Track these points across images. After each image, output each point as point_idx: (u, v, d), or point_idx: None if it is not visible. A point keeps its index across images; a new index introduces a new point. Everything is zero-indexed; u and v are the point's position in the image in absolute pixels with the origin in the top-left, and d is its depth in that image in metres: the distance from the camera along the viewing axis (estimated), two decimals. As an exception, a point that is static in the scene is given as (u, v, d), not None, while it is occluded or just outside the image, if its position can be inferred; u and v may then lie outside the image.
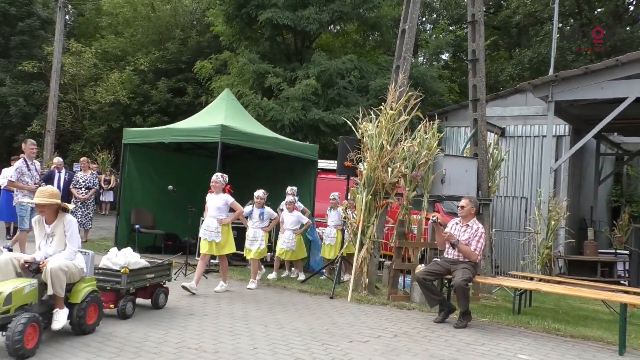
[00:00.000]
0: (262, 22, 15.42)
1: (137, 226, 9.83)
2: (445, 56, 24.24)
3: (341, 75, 15.31)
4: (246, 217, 7.91)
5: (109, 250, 5.68)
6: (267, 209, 7.95)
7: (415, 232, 8.04)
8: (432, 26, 26.37)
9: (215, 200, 7.06)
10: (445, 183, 7.96)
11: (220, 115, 9.86)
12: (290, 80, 15.20)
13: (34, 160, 8.36)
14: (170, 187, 8.07)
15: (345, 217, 8.44)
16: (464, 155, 9.26)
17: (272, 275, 8.56)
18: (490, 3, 24.56)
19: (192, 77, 19.65)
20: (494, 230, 10.37)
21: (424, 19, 25.91)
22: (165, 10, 22.26)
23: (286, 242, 8.52)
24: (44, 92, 19.73)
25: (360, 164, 7.93)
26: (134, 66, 20.46)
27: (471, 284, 6.34)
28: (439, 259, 6.53)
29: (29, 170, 8.08)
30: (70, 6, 20.42)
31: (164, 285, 5.98)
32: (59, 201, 4.63)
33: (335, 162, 9.29)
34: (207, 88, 17.81)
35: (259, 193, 7.94)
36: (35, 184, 8.01)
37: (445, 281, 6.61)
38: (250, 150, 10.28)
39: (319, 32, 17.22)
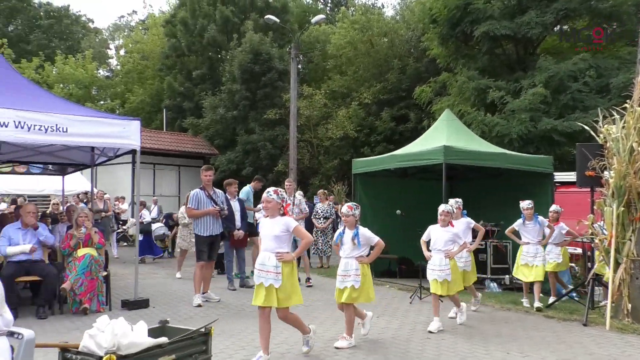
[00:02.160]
0: (479, 37, 14.99)
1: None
2: None
3: (574, 78, 13.89)
4: (336, 243, 5.71)
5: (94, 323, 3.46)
6: (363, 231, 5.48)
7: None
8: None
9: (270, 226, 4.89)
10: None
11: (443, 136, 9.78)
12: (515, 91, 14.36)
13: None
14: (398, 211, 8.24)
15: (592, 234, 7.46)
16: None
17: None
18: None
19: (413, 104, 20.03)
20: None
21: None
22: (383, 44, 23.30)
23: (436, 268, 6.25)
24: (285, 135, 22.22)
25: (605, 172, 7.00)
26: (358, 101, 21.77)
27: None
28: None
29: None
30: (301, 56, 22.76)
31: None
32: None
33: (574, 173, 8.37)
34: (429, 112, 17.92)
35: (345, 209, 5.51)
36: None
37: None
38: (477, 169, 9.93)
39: (543, 36, 15.99)
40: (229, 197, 8.63)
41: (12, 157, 9.38)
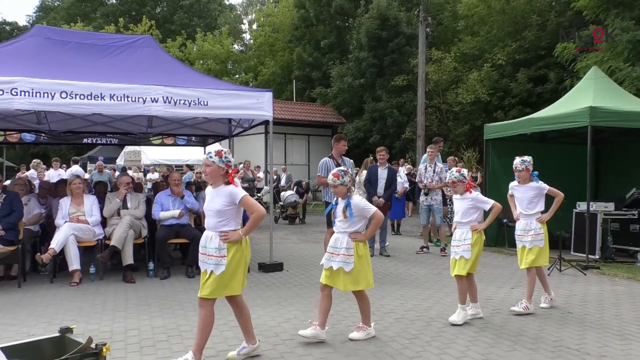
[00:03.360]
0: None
1: (504, 220, 9.78)
2: None
3: None
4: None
5: None
6: (357, 200, 4.43)
7: None
8: None
9: (212, 197, 3.80)
10: None
11: (588, 96, 8.90)
12: (678, 42, 12.56)
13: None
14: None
15: None
16: None
17: None
18: None
19: (553, 62, 18.44)
20: None
21: None
22: (520, -1, 21.61)
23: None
24: (412, 102, 21.78)
25: None
26: (491, 62, 20.56)
27: None
28: None
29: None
30: (429, 19, 21.93)
31: None
32: None
33: None
34: (572, 70, 16.38)
35: (330, 178, 4.46)
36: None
37: None
38: (630, 131, 8.93)
39: None
40: (378, 165, 8.91)
41: (161, 130, 10.31)
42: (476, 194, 5.13)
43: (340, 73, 25.13)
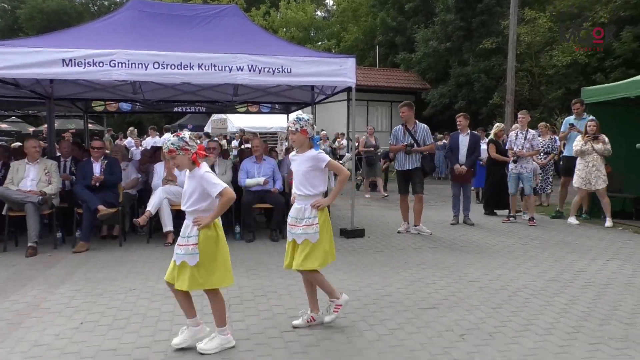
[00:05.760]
0: None
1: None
2: None
3: None
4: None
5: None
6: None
7: None
8: None
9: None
10: None
11: None
12: None
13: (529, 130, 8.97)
14: (638, 145, 7.17)
15: None
16: None
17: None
18: None
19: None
20: None
21: None
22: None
23: None
24: (502, 65, 20.72)
25: None
26: (592, 21, 19.00)
27: None
28: None
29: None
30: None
31: None
32: None
33: None
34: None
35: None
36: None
37: None
38: None
39: None
40: (459, 132, 8.74)
41: (246, 98, 10.57)
42: (199, 171, 3.52)
43: (425, 37, 24.34)
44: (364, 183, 13.67)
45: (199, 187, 3.43)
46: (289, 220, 3.96)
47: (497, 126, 10.09)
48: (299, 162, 3.91)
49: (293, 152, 4.03)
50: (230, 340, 3.55)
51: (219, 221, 3.56)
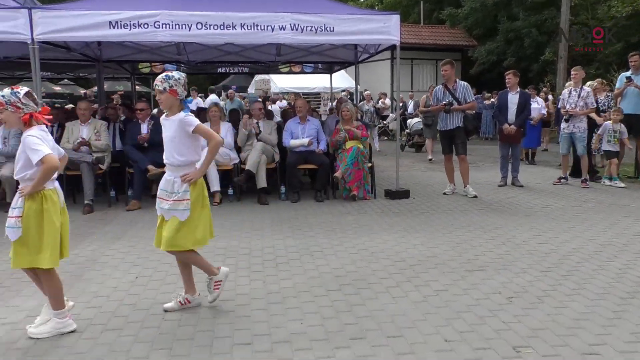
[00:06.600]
0: None
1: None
2: None
3: None
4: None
5: None
6: (191, 119, 3.42)
7: None
8: None
9: (167, 127, 3.50)
10: None
11: None
12: None
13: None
14: None
15: None
16: None
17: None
18: None
19: None
20: None
21: None
22: None
23: None
24: (554, 19, 19.71)
25: None
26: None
27: None
28: None
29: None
30: None
31: None
32: None
33: None
34: None
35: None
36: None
37: None
38: None
39: None
40: (508, 90, 8.47)
41: (288, 58, 10.48)
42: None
43: (473, -10, 23.32)
44: (426, 144, 13.01)
45: (24, 152, 3.02)
46: (158, 192, 3.54)
47: (590, 84, 9.53)
48: (167, 127, 3.47)
49: (163, 116, 3.58)
50: (69, 324, 3.21)
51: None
